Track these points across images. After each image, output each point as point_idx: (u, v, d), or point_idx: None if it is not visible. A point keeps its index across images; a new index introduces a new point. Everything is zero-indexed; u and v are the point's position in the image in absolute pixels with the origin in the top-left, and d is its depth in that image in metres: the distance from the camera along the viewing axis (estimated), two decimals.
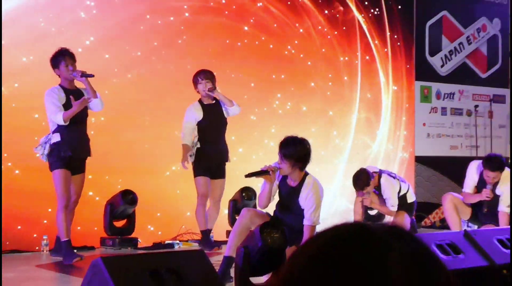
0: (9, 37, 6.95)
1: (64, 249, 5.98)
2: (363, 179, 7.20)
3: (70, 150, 5.95)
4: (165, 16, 8.04)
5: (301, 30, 9.06)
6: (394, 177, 7.49)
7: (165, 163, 7.86)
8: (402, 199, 7.40)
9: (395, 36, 9.84)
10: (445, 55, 10.25)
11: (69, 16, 7.45)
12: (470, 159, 9.56)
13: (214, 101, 6.90)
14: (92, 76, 6.02)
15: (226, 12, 8.45)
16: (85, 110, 6.12)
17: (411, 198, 7.56)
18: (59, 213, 5.94)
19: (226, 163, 6.99)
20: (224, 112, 6.92)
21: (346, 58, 9.41)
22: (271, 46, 8.81)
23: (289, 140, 5.31)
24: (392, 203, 7.29)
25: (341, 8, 9.40)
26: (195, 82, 6.86)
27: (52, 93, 5.94)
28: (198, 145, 6.77)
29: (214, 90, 6.79)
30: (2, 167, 6.81)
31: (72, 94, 6.00)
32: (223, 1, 8.42)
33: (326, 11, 9.25)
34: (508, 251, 4.69)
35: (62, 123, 5.84)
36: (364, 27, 9.57)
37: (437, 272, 0.86)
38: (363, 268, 0.82)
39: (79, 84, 6.10)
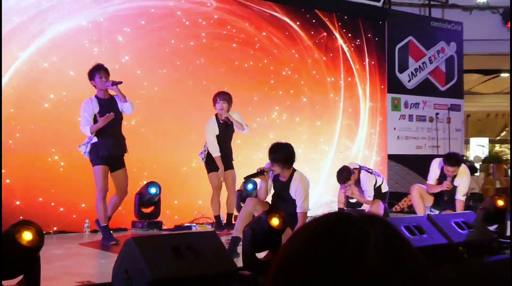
0: (60, 55, 6.98)
1: (102, 232, 5.98)
2: (345, 175, 7.24)
3: (106, 150, 5.88)
4: (186, 41, 8.05)
5: (296, 55, 9.06)
6: (371, 173, 7.48)
7: (183, 160, 7.86)
8: (377, 190, 7.41)
9: (372, 62, 9.84)
10: (411, 72, 10.24)
11: (109, 39, 7.46)
12: (432, 157, 9.54)
13: (225, 122, 6.89)
14: (120, 83, 5.90)
15: (236, 39, 8.46)
16: (119, 114, 6.01)
17: (384, 188, 7.56)
18: (98, 203, 5.89)
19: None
20: (234, 127, 6.95)
21: (332, 79, 9.41)
22: (271, 67, 8.81)
23: (275, 146, 5.40)
24: (369, 194, 7.31)
25: (328, 37, 9.39)
26: (214, 101, 6.80)
27: (85, 106, 5.88)
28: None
29: (228, 115, 6.77)
30: (50, 160, 6.84)
31: (105, 102, 5.94)
32: (234, 30, 8.43)
33: (316, 41, 9.25)
34: (463, 231, 4.69)
35: (89, 134, 5.84)
36: (348, 54, 9.58)
37: (407, 252, 0.86)
38: (345, 249, 0.82)
39: (113, 92, 6.00)
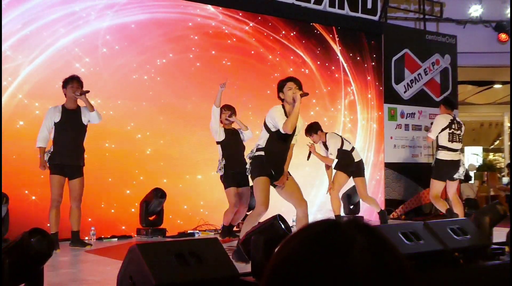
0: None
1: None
2: (313, 127, 7.55)
3: (60, 159, 5.96)
4: (185, 53, 8.06)
5: (292, 68, 9.08)
6: (339, 136, 7.81)
7: (187, 168, 7.86)
8: (343, 153, 7.60)
9: (369, 75, 9.86)
10: (407, 83, 10.24)
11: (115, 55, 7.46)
12: (428, 165, 9.55)
13: (232, 127, 7.03)
14: (87, 92, 5.99)
15: (234, 50, 8.45)
16: (81, 126, 6.08)
17: (356, 157, 7.68)
18: (53, 209, 5.99)
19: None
20: (241, 135, 7.04)
21: (329, 88, 9.43)
22: (271, 77, 8.82)
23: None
24: (331, 151, 7.55)
25: (327, 50, 9.43)
26: (221, 112, 6.89)
27: (48, 113, 6.03)
28: (224, 162, 6.79)
29: (232, 116, 6.96)
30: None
31: (69, 113, 6.03)
32: (233, 40, 8.43)
33: (316, 52, 9.27)
34: (459, 238, 4.66)
35: (37, 144, 6.01)
36: (345, 66, 9.60)
37: (393, 258, 0.85)
38: (333, 256, 0.82)
39: (82, 103, 6.09)
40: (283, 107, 5.28)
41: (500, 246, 5.14)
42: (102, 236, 6.93)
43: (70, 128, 6.04)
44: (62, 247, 6.31)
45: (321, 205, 8.96)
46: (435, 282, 3.65)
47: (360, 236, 0.84)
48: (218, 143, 6.89)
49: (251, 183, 6.11)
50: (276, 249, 0.88)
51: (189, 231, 7.39)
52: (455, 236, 4.60)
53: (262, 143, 5.30)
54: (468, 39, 11.24)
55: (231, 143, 6.89)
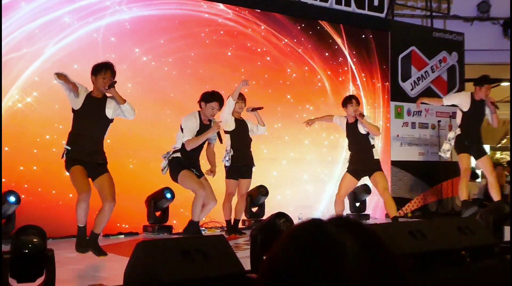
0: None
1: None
2: (356, 97, 7.23)
3: (79, 156, 5.16)
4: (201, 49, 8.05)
5: (301, 64, 9.07)
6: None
7: None
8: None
9: (376, 71, 9.84)
10: (414, 81, 10.21)
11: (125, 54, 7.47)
12: (434, 163, 9.53)
13: (241, 118, 7.04)
14: (115, 82, 5.20)
15: (268, 58, 8.46)
16: (102, 117, 5.24)
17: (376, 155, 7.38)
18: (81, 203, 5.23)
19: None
20: (249, 127, 7.09)
21: (339, 87, 9.42)
22: (279, 75, 8.81)
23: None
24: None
25: (334, 48, 9.41)
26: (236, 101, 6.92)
27: (75, 93, 5.17)
28: (232, 153, 6.85)
29: (255, 111, 7.10)
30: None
31: (92, 101, 5.21)
32: (263, 49, 8.43)
33: (323, 51, 9.26)
34: (465, 236, 4.65)
35: None
36: (352, 63, 9.59)
37: (385, 259, 0.84)
38: (323, 263, 0.80)
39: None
40: (199, 114, 6.21)
41: (507, 244, 5.13)
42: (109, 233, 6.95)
43: (92, 120, 5.20)
44: (69, 243, 6.32)
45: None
46: (441, 281, 3.64)
47: (351, 241, 0.82)
48: (227, 132, 6.88)
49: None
50: (265, 259, 0.86)
51: None
52: (461, 235, 4.59)
53: (179, 145, 6.14)
54: (475, 36, 11.19)
55: (241, 134, 6.93)
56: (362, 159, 7.06)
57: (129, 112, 5.29)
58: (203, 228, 7.48)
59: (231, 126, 6.88)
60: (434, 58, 10.45)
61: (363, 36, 9.78)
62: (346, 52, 9.54)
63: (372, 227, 0.87)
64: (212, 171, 6.35)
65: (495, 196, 7.46)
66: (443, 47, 10.56)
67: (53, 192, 6.81)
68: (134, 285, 3.47)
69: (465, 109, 7.65)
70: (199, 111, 6.27)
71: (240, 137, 6.91)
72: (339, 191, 7.20)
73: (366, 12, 9.73)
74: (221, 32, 8.32)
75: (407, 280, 0.83)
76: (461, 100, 7.73)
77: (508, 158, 15.64)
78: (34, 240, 3.37)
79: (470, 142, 7.54)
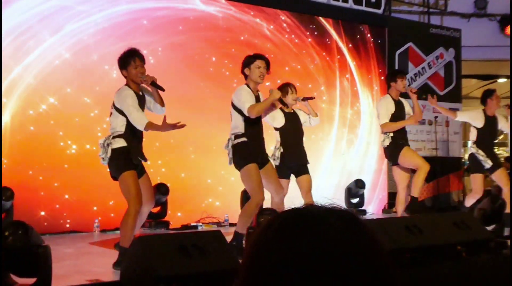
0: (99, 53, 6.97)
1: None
2: None
3: (133, 156, 4.70)
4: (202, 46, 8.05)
5: (298, 60, 9.07)
6: None
7: (191, 161, 7.86)
8: None
9: (373, 68, 9.85)
10: (411, 77, 10.21)
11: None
12: (431, 159, 9.55)
13: (292, 111, 6.17)
14: (162, 90, 4.82)
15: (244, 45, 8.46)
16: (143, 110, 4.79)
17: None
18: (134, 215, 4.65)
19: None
20: (301, 119, 6.21)
21: (346, 83, 9.43)
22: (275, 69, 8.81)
23: None
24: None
25: (331, 44, 9.41)
26: (287, 91, 6.06)
27: (128, 93, 4.69)
28: (282, 150, 5.98)
29: (306, 101, 6.21)
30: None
31: (139, 98, 4.75)
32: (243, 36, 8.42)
33: (320, 47, 9.27)
34: (462, 231, 4.67)
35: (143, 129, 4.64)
36: (349, 59, 9.59)
37: (367, 235, 0.85)
38: (307, 236, 0.81)
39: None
40: (248, 86, 5.21)
41: (503, 239, 5.14)
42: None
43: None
44: (67, 238, 6.33)
45: None
46: (438, 275, 3.66)
47: (331, 216, 0.84)
48: (276, 129, 6.08)
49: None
50: (251, 240, 0.87)
51: (192, 224, 7.41)
52: (458, 229, 4.60)
53: (241, 129, 5.12)
54: (472, 32, 11.19)
55: (292, 129, 6.09)
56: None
57: (161, 110, 4.91)
58: (201, 224, 7.49)
59: (280, 121, 6.02)
60: (431, 54, 10.46)
61: (360, 32, 9.78)
62: (344, 48, 9.53)
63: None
64: None
65: (509, 207, 7.51)
66: (440, 43, 10.57)
67: (55, 184, 6.79)
68: (131, 281, 3.47)
69: (479, 126, 7.62)
70: (245, 84, 5.26)
71: (292, 133, 6.06)
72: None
73: (363, 8, 9.72)
74: (210, 24, 8.30)
75: (387, 254, 0.84)
76: (474, 117, 7.72)
77: (506, 154, 15.67)
78: (23, 236, 3.36)
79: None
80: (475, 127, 7.66)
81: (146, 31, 7.61)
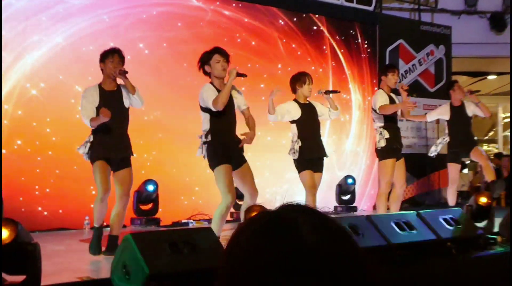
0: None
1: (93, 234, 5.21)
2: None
3: (104, 152, 4.92)
4: (188, 41, 8.03)
5: (291, 57, 9.07)
6: None
7: (182, 158, 7.85)
8: None
9: (364, 65, 9.86)
10: (402, 74, 10.23)
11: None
12: (422, 155, 9.58)
13: (308, 102, 5.94)
14: (127, 72, 4.93)
15: (232, 43, 8.45)
16: (122, 109, 5.02)
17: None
18: (97, 202, 5.00)
19: None
20: (319, 112, 5.98)
21: (326, 81, 9.43)
22: (266, 69, 8.81)
23: None
24: None
25: (322, 41, 9.42)
26: (303, 81, 5.88)
27: (87, 94, 4.95)
28: (300, 144, 5.77)
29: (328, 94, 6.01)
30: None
31: (107, 95, 4.96)
32: (230, 34, 8.40)
33: (311, 44, 9.27)
34: (451, 227, 4.69)
35: (91, 127, 4.93)
36: (341, 57, 9.60)
37: (338, 232, 0.85)
38: (280, 241, 0.82)
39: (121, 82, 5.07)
40: (213, 84, 5.00)
41: (492, 236, 5.17)
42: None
43: (112, 115, 4.80)
44: (56, 236, 6.30)
45: None
46: (428, 271, 3.67)
47: (301, 217, 0.84)
48: (292, 122, 5.87)
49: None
50: (225, 249, 0.88)
51: (183, 221, 7.40)
52: (447, 226, 4.62)
53: (207, 126, 4.98)
54: (463, 30, 11.23)
55: (309, 121, 5.86)
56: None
57: (138, 102, 5.03)
58: (192, 221, 7.49)
59: (295, 114, 5.81)
60: (422, 51, 10.49)
61: (351, 29, 9.79)
62: (334, 45, 9.54)
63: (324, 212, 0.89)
64: (249, 137, 5.07)
65: (489, 176, 7.66)
66: (431, 41, 10.60)
67: (51, 180, 6.77)
68: (121, 278, 3.47)
69: (447, 118, 7.79)
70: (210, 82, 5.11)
71: (308, 125, 5.84)
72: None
73: (354, 5, 9.74)
74: (201, 23, 8.28)
75: (360, 250, 0.84)
76: (441, 113, 7.95)
77: (495, 151, 15.77)
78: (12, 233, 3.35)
79: (457, 147, 7.64)
80: (446, 121, 7.84)
81: (144, 25, 7.58)
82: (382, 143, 6.43)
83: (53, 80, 6.95)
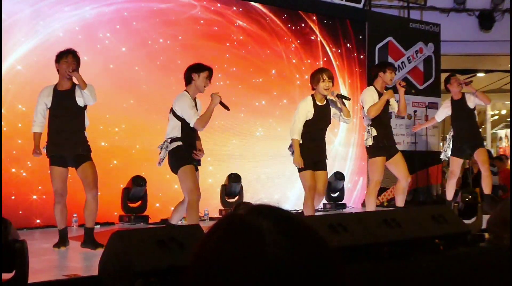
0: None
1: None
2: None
3: (56, 150, 5.19)
4: (172, 40, 8.00)
5: (281, 55, 9.07)
6: None
7: None
8: None
9: (353, 62, 9.88)
10: None
11: (99, 43, 7.40)
12: (410, 153, 9.62)
13: (325, 103, 5.84)
14: (76, 70, 5.13)
15: (224, 40, 8.42)
16: (74, 107, 5.19)
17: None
18: (57, 205, 5.35)
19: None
20: (332, 113, 5.94)
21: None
22: (258, 68, 8.81)
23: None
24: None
25: (311, 38, 9.42)
26: (319, 79, 5.75)
27: (41, 94, 5.25)
28: (301, 142, 5.71)
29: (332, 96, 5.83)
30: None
31: (61, 95, 5.19)
32: (217, 30, 8.38)
33: (300, 41, 9.27)
34: (439, 224, 4.72)
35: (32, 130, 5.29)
36: (330, 54, 9.62)
37: (303, 235, 0.85)
38: (243, 248, 0.82)
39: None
40: (188, 92, 5.32)
41: (480, 232, 5.20)
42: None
43: (64, 113, 5.16)
44: (44, 234, 6.27)
45: None
46: (415, 269, 3.69)
47: (265, 222, 0.83)
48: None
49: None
50: (194, 249, 0.88)
51: None
52: (435, 223, 4.65)
53: (178, 133, 5.27)
54: (451, 27, 11.29)
55: (318, 123, 5.78)
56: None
57: (89, 97, 5.14)
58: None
59: (310, 115, 5.73)
60: (411, 48, 10.53)
61: (341, 26, 9.80)
62: (323, 42, 9.55)
63: (288, 211, 0.89)
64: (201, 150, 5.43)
65: (487, 188, 7.59)
66: (420, 38, 10.64)
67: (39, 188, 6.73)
68: (109, 275, 3.45)
69: (450, 113, 7.86)
70: (185, 90, 5.37)
71: (316, 127, 5.76)
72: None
73: (343, 2, 9.76)
74: (201, 21, 8.27)
75: (329, 250, 0.84)
76: (445, 109, 7.99)
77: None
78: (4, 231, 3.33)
79: (461, 142, 7.66)
80: (450, 116, 7.90)
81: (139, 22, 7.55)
82: (370, 142, 6.37)
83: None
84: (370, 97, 6.32)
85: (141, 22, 7.78)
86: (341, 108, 5.86)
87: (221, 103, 5.24)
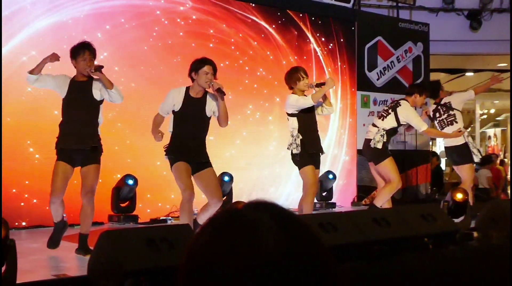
0: (40, 49, 6.81)
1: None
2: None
3: (64, 143, 4.94)
4: (164, 39, 7.99)
5: (271, 57, 9.09)
6: None
7: (158, 154, 7.80)
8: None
9: (343, 63, 9.90)
10: (380, 71, 10.31)
11: (89, 37, 7.36)
12: (400, 152, 9.67)
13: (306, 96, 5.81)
14: (102, 67, 4.98)
15: (213, 39, 8.41)
16: (90, 99, 4.98)
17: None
18: (52, 205, 5.10)
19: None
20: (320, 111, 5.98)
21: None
22: (246, 67, 8.81)
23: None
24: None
25: (301, 38, 9.43)
26: (297, 79, 5.80)
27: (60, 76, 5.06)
28: (301, 138, 5.71)
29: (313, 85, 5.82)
30: (26, 153, 6.73)
31: (77, 85, 4.98)
32: (211, 31, 8.37)
33: (289, 42, 9.28)
34: (428, 223, 4.74)
35: (30, 80, 4.93)
36: (319, 54, 9.63)
37: (300, 230, 0.85)
38: (241, 242, 0.82)
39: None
40: (188, 89, 5.17)
41: (468, 231, 5.24)
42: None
43: (79, 105, 4.92)
44: (33, 234, 6.24)
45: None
46: (404, 267, 3.71)
47: (263, 216, 0.84)
48: (292, 115, 5.80)
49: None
50: (187, 246, 0.88)
51: (161, 218, 7.37)
52: (424, 222, 4.67)
53: (170, 128, 5.16)
54: (440, 27, 11.34)
55: (308, 115, 5.80)
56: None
57: (117, 97, 5.01)
58: (170, 218, 7.46)
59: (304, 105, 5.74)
60: (400, 48, 10.57)
61: (330, 26, 9.82)
62: (313, 42, 9.56)
63: (284, 207, 0.89)
64: None
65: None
66: (409, 38, 10.69)
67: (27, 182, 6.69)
68: (98, 275, 3.44)
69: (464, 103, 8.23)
70: (187, 87, 5.25)
71: (308, 119, 5.77)
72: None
73: (333, 2, 9.78)
74: (190, 20, 8.26)
75: (324, 247, 0.84)
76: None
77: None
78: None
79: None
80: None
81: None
82: (379, 145, 6.53)
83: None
84: (415, 114, 6.70)
85: (129, 21, 7.76)
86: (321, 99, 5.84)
87: (219, 91, 5.01)
